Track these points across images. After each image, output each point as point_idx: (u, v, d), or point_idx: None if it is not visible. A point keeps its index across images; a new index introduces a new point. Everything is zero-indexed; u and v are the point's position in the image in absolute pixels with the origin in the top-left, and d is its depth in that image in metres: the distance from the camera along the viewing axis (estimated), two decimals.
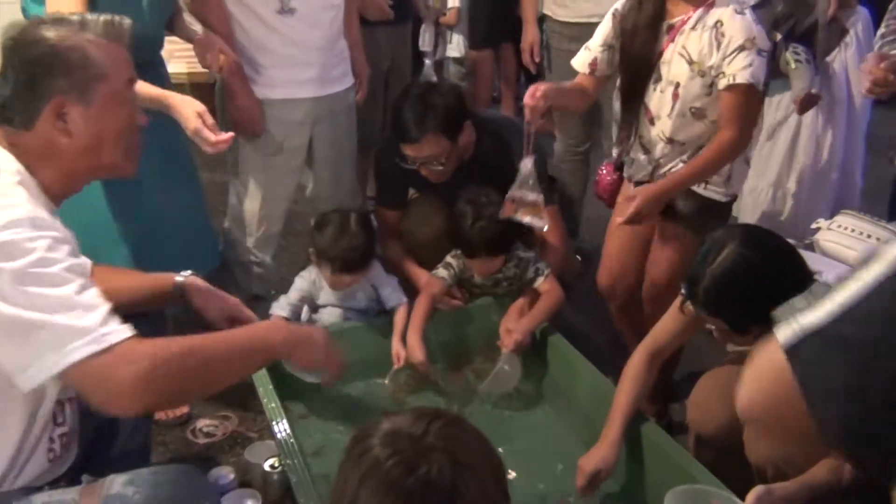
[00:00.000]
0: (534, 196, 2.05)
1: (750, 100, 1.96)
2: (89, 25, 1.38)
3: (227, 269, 2.52)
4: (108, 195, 2.00)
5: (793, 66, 2.29)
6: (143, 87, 1.77)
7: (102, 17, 1.40)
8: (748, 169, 2.17)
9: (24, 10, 1.98)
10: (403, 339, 2.22)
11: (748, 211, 2.85)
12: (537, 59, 3.06)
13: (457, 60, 4.85)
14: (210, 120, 1.88)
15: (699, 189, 2.07)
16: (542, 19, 3.03)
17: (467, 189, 2.28)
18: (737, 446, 1.65)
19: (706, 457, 1.76)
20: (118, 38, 1.41)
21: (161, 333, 1.72)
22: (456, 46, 4.77)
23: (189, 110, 1.87)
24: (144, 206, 2.06)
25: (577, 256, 3.08)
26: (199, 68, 2.44)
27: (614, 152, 2.28)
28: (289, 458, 1.76)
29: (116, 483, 1.32)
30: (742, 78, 1.92)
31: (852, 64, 2.48)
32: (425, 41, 3.99)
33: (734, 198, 2.15)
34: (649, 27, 2.03)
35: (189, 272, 1.68)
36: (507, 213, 2.09)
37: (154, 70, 2.10)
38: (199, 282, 1.68)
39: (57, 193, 1.38)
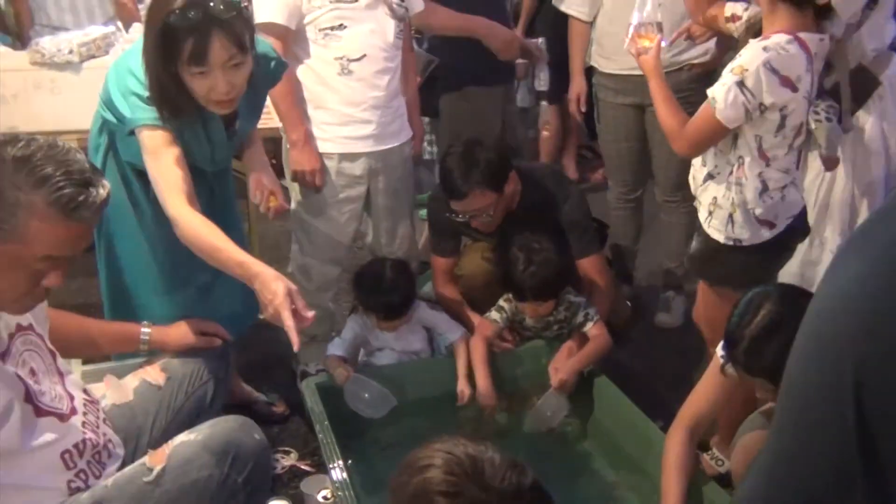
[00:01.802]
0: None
1: (705, 117, 1.93)
2: (42, 190, 1.31)
3: None
4: (164, 259, 2.10)
5: (812, 125, 2.29)
6: (231, 252, 1.76)
7: (63, 192, 1.32)
8: (751, 218, 2.04)
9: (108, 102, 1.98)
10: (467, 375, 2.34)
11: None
12: (583, 110, 3.15)
13: (522, 111, 5.04)
14: (301, 302, 1.69)
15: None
16: (590, 70, 3.12)
17: (519, 236, 2.37)
18: None
19: None
20: (70, 217, 1.34)
21: (225, 364, 1.95)
22: (523, 98, 4.97)
23: (279, 287, 1.66)
24: (192, 267, 2.04)
25: (628, 303, 3.13)
26: (269, 123, 2.64)
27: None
28: (341, 490, 1.87)
29: (179, 436, 1.55)
30: (712, 92, 1.91)
31: (890, 116, 2.40)
32: (541, 81, 4.35)
33: (738, 242, 2.07)
34: None
35: (148, 329, 1.91)
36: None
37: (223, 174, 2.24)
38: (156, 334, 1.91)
39: None
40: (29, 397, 1.42)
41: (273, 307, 1.66)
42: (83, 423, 1.55)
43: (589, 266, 2.52)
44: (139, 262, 2.14)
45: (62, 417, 1.49)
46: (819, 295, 0.67)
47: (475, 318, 2.51)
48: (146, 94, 1.86)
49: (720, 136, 1.98)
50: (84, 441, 1.53)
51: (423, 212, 2.98)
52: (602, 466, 2.22)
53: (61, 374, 1.59)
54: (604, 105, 3.02)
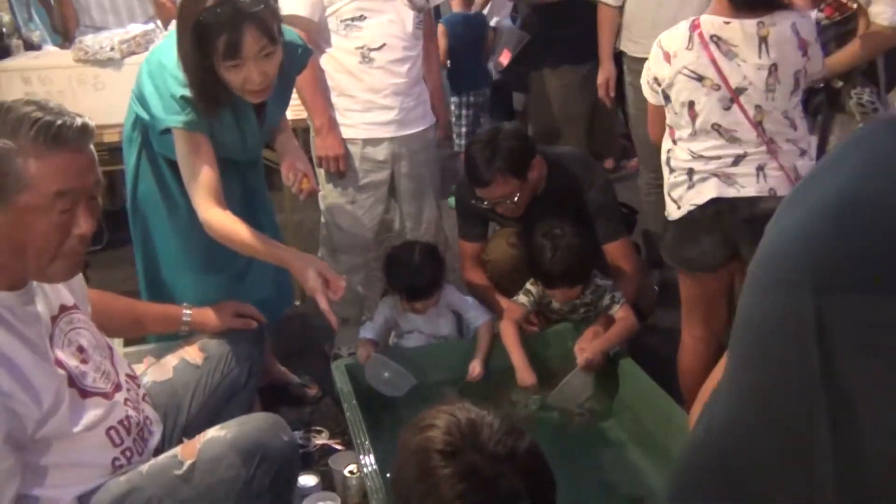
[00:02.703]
0: None
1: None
2: (21, 131, 1.33)
3: None
4: (200, 250, 2.17)
5: (858, 118, 2.26)
6: (261, 244, 1.91)
7: (40, 122, 1.34)
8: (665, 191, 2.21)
9: (141, 98, 2.04)
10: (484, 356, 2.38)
11: None
12: (612, 94, 3.15)
13: None
14: (332, 275, 1.84)
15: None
16: (620, 55, 3.13)
17: (542, 222, 2.40)
18: None
19: None
20: (59, 144, 1.35)
21: (260, 346, 2.02)
22: None
23: (311, 272, 1.83)
24: (229, 255, 2.13)
25: (655, 287, 3.12)
26: (300, 115, 2.72)
27: None
28: (366, 465, 1.93)
29: (210, 431, 1.59)
30: None
31: None
32: None
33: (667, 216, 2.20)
34: None
35: (189, 311, 1.99)
36: None
37: (254, 164, 2.32)
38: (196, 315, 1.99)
39: (3, 285, 1.40)
40: (72, 382, 1.49)
41: (309, 291, 1.85)
42: (125, 400, 1.61)
43: (615, 251, 2.53)
44: (174, 251, 2.22)
45: (106, 396, 1.56)
46: (768, 240, 0.72)
47: (503, 302, 2.54)
48: (181, 92, 1.92)
49: (659, 117, 2.16)
50: (128, 418, 1.59)
51: (451, 199, 3.04)
52: (625, 446, 2.24)
53: (111, 349, 1.67)
54: (633, 89, 3.02)
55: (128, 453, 1.57)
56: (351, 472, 2.04)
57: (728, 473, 0.77)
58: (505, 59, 3.39)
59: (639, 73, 2.96)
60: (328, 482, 2.15)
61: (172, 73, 1.94)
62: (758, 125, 2.01)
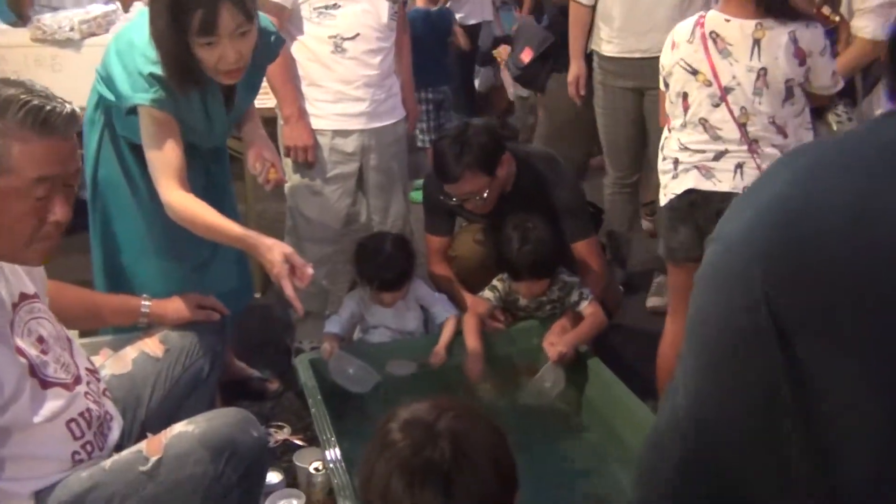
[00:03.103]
0: None
1: None
2: (8, 113, 1.30)
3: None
4: (161, 237, 2.12)
5: (835, 128, 2.33)
6: (227, 228, 1.87)
7: (29, 106, 1.31)
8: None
9: (107, 78, 2.00)
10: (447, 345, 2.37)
11: None
12: (582, 93, 3.16)
13: (523, 99, 5.09)
14: (299, 261, 1.80)
15: None
16: (591, 55, 3.13)
17: (513, 216, 2.40)
18: None
19: None
20: (46, 130, 1.32)
21: (222, 339, 1.96)
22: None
23: (277, 257, 1.78)
24: (190, 245, 2.12)
25: (621, 287, 3.15)
26: (267, 103, 2.66)
27: None
28: (332, 463, 1.89)
29: (177, 427, 1.53)
30: None
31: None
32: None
33: None
34: None
35: (148, 302, 1.92)
36: None
37: (219, 152, 2.27)
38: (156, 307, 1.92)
39: None
40: (33, 371, 1.43)
41: (274, 276, 1.79)
42: (86, 394, 1.56)
43: (583, 249, 2.54)
44: (135, 238, 2.15)
45: (67, 386, 1.50)
46: (721, 238, 0.80)
47: (468, 297, 2.53)
48: (149, 69, 1.87)
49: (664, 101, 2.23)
50: (89, 410, 1.53)
51: (415, 194, 3.02)
52: (591, 443, 2.25)
53: (69, 340, 1.61)
54: (603, 88, 3.03)
55: (88, 447, 1.51)
56: (316, 469, 2.00)
57: (696, 461, 0.81)
58: (527, 56, 3.39)
59: (609, 72, 3.00)
60: (291, 478, 2.11)
61: (142, 51, 1.88)
62: (742, 126, 2.03)
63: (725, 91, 2.02)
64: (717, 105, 2.04)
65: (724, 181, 2.06)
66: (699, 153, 2.09)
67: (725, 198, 2.04)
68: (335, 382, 2.28)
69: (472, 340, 2.35)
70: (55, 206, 1.38)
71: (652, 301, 3.14)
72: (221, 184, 2.29)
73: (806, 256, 0.70)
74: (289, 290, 1.78)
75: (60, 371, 1.50)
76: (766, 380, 0.72)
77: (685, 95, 2.09)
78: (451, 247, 2.67)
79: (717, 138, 2.06)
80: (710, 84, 2.04)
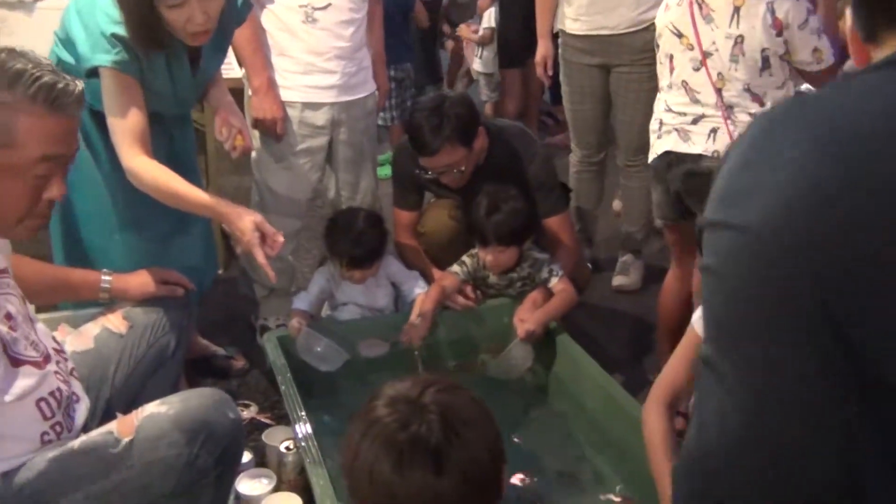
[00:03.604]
0: None
1: None
2: (18, 86, 1.27)
3: (248, 263, 2.63)
4: (124, 209, 2.06)
5: None
6: (194, 195, 1.83)
7: (41, 82, 1.27)
8: None
9: (65, 39, 1.94)
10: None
11: None
12: (550, 73, 3.15)
13: (487, 75, 5.07)
14: (269, 229, 1.78)
15: None
16: (557, 35, 3.12)
17: (487, 186, 2.37)
18: None
19: None
20: (54, 107, 1.29)
21: (187, 314, 1.90)
22: (486, 62, 5.00)
23: (246, 223, 1.76)
24: (154, 216, 2.08)
25: (589, 265, 3.16)
26: (230, 74, 2.58)
27: None
28: (303, 441, 1.86)
29: (149, 407, 1.47)
30: None
31: None
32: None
33: None
34: None
35: (109, 276, 1.84)
36: None
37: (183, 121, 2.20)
38: (117, 282, 1.85)
39: None
40: (4, 348, 1.37)
41: (244, 245, 1.77)
42: (55, 373, 1.50)
43: (555, 224, 2.53)
44: (96, 211, 2.08)
45: (38, 364, 1.44)
46: (738, 226, 0.75)
47: (436, 272, 2.50)
48: (112, 30, 1.80)
49: None
50: (59, 390, 1.47)
51: (382, 170, 2.98)
52: (560, 420, 2.25)
53: (32, 321, 1.54)
54: (569, 66, 3.03)
55: (57, 428, 1.46)
56: (287, 448, 1.97)
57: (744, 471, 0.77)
58: None
59: (576, 49, 2.99)
60: (260, 457, 2.07)
61: (104, 10, 1.81)
62: (718, 91, 2.10)
63: (705, 55, 2.09)
64: (697, 69, 2.11)
65: (697, 144, 2.14)
66: (680, 115, 2.17)
67: (697, 159, 2.13)
68: (303, 360, 2.24)
69: (425, 304, 2.32)
70: (53, 184, 1.35)
71: (617, 280, 3.17)
72: (186, 154, 2.22)
73: (856, 237, 0.66)
74: (261, 258, 1.76)
75: (30, 349, 1.44)
76: (829, 372, 0.68)
77: (671, 57, 2.17)
78: (421, 222, 2.63)
79: (696, 101, 2.14)
80: (692, 48, 2.11)
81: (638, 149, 2.92)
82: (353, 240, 2.33)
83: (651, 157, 2.28)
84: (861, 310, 0.66)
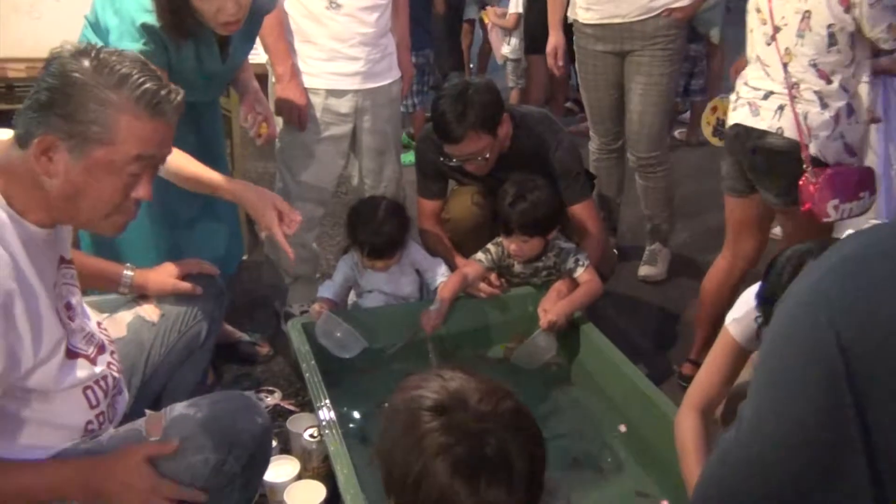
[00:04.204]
0: None
1: None
2: (125, 89, 1.30)
3: (272, 250, 2.64)
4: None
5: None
6: (212, 177, 1.86)
7: (146, 87, 1.31)
8: None
9: (95, 24, 1.96)
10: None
11: None
12: (560, 63, 3.14)
13: (514, 61, 5.04)
14: (286, 208, 1.84)
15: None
16: (571, 25, 3.07)
17: (514, 174, 2.35)
18: None
19: None
20: (155, 112, 1.33)
21: (220, 303, 1.91)
22: (514, 49, 4.97)
23: (266, 204, 1.82)
24: (180, 203, 2.10)
25: (615, 251, 3.13)
26: (255, 59, 2.57)
27: None
28: (327, 429, 1.86)
29: (178, 407, 1.46)
30: None
31: None
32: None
33: None
34: None
35: (131, 272, 1.84)
36: None
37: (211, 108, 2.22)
38: (139, 277, 1.84)
39: (41, 221, 1.34)
40: (66, 338, 1.39)
41: (264, 224, 1.81)
42: (108, 364, 1.51)
43: (581, 211, 2.50)
44: None
45: (90, 359, 1.45)
46: (791, 294, 0.77)
47: (459, 260, 2.50)
48: (142, 19, 1.81)
49: None
50: (105, 378, 1.48)
51: (405, 157, 2.96)
52: (584, 409, 2.24)
53: (86, 313, 1.55)
54: (584, 53, 3.00)
55: (101, 417, 1.46)
56: (312, 437, 1.97)
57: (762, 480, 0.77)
58: None
59: (590, 36, 2.95)
60: (284, 444, 2.08)
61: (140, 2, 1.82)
62: (784, 66, 2.10)
63: (776, 30, 2.10)
64: (769, 44, 2.13)
65: (765, 119, 2.15)
66: (754, 90, 2.19)
67: (762, 135, 2.14)
68: (324, 346, 2.24)
69: (443, 292, 2.33)
70: (141, 184, 1.38)
71: (644, 269, 3.14)
72: (214, 140, 2.24)
73: (874, 305, 0.68)
74: (279, 236, 1.80)
75: (83, 342, 1.46)
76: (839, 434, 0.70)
77: (752, 31, 2.21)
78: (446, 209, 2.62)
79: (766, 76, 2.16)
80: (765, 22, 2.13)
81: (650, 145, 2.90)
82: (374, 229, 2.32)
83: (726, 126, 2.30)
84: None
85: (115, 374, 1.51)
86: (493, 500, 0.98)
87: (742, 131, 2.19)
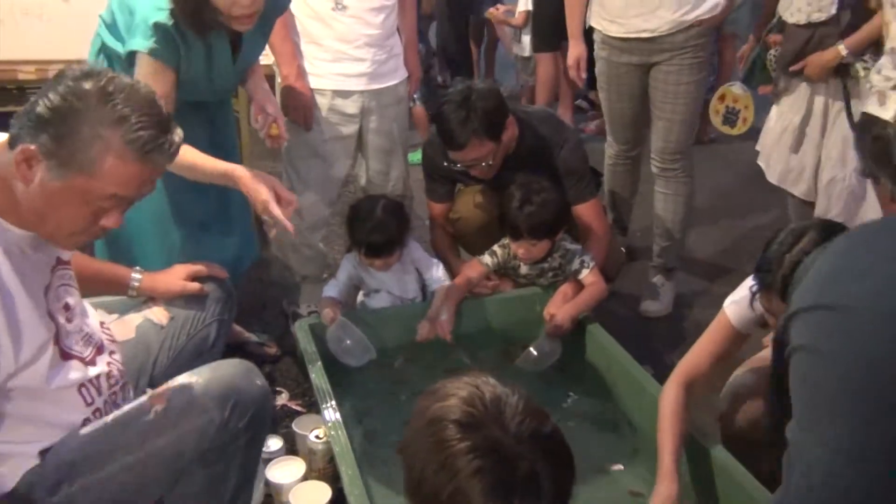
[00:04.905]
0: None
1: None
2: (120, 129, 1.30)
3: (280, 251, 2.65)
4: (162, 190, 2.07)
5: (861, 74, 2.45)
6: (210, 163, 1.87)
7: (142, 133, 1.31)
8: None
9: (111, 23, 1.98)
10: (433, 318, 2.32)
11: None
12: (584, 75, 3.03)
13: (525, 59, 5.02)
14: (284, 191, 1.86)
15: None
16: (588, 31, 2.98)
17: (520, 175, 2.34)
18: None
19: (735, 448, 1.79)
20: (144, 159, 1.33)
21: (229, 306, 1.93)
22: (525, 46, 4.95)
23: (262, 186, 1.83)
24: (193, 204, 2.13)
25: (622, 249, 3.11)
26: (264, 60, 2.58)
27: None
28: (333, 430, 1.87)
29: (180, 378, 1.51)
30: None
31: None
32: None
33: None
34: None
35: (139, 275, 1.85)
36: None
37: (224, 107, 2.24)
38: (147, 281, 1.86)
39: (22, 224, 1.36)
40: (57, 339, 1.41)
41: (261, 204, 1.82)
42: (108, 363, 1.53)
43: (586, 211, 2.49)
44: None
45: (84, 360, 1.48)
46: (839, 307, 0.84)
47: (463, 264, 2.50)
48: (154, 18, 1.84)
49: None
50: (106, 377, 1.51)
51: (412, 156, 2.96)
52: (591, 411, 2.23)
53: (85, 313, 1.57)
54: (607, 64, 2.88)
55: (97, 414, 1.49)
56: (318, 438, 1.98)
57: None
58: None
59: (615, 48, 2.84)
60: (290, 444, 2.09)
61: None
62: None
63: None
64: None
65: (890, 110, 2.17)
66: (886, 80, 2.20)
67: (885, 125, 2.14)
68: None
69: (448, 308, 2.32)
70: (112, 214, 1.39)
71: (646, 304, 2.94)
72: (227, 140, 2.25)
73: None
74: (276, 212, 1.80)
75: (80, 343, 1.48)
76: None
77: (888, 25, 2.23)
78: (454, 209, 2.61)
79: None
80: None
81: (676, 151, 2.83)
82: (371, 228, 2.31)
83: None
84: None
85: (116, 373, 1.53)
86: None
87: (868, 119, 2.21)
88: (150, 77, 1.85)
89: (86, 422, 1.47)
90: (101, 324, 1.63)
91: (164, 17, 1.83)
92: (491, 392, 1.03)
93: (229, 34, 1.97)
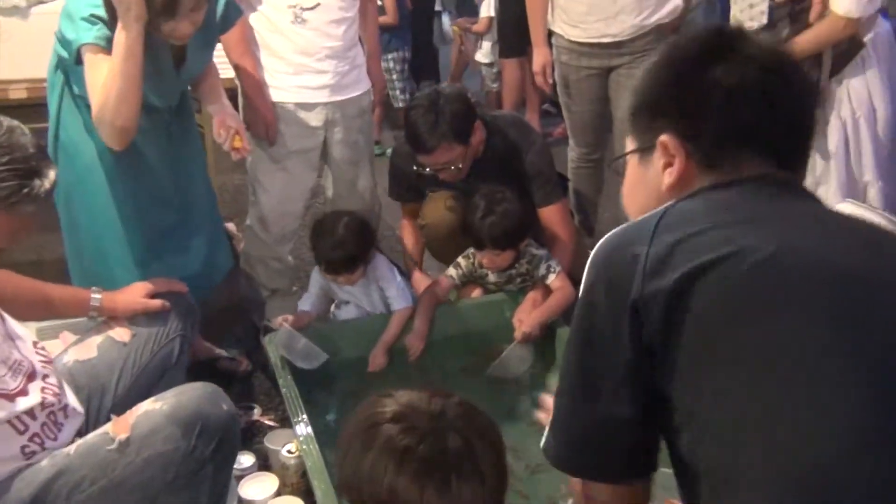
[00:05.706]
0: None
1: None
2: None
3: (248, 264, 2.64)
4: (125, 201, 2.07)
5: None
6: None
7: (6, 184, 1.32)
8: None
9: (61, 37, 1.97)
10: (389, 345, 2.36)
11: None
12: (550, 81, 3.03)
13: (487, 65, 5.05)
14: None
15: None
16: (550, 34, 2.97)
17: (484, 185, 2.36)
18: None
19: None
20: (9, 210, 1.34)
21: (192, 321, 1.92)
22: (486, 53, 4.98)
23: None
24: (155, 210, 2.12)
25: (590, 251, 3.13)
26: (227, 74, 2.57)
27: None
28: (305, 444, 1.86)
29: (144, 405, 1.50)
30: None
31: (873, 81, 2.49)
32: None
33: None
34: None
35: (99, 294, 1.84)
36: None
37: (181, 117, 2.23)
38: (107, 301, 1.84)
39: None
40: None
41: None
42: (42, 389, 1.50)
43: (551, 215, 2.51)
44: (99, 203, 2.07)
45: (9, 397, 1.44)
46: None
47: (428, 279, 2.52)
48: (90, 11, 1.83)
49: None
50: (35, 407, 1.47)
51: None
52: None
53: (12, 339, 1.53)
54: (567, 68, 2.91)
55: (37, 439, 1.46)
56: (290, 452, 1.97)
57: None
58: None
59: (574, 52, 2.86)
60: (263, 460, 2.08)
61: (88, 1, 1.84)
62: None
63: None
64: None
65: None
66: None
67: None
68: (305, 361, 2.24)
69: (420, 320, 2.35)
70: None
71: None
72: (187, 147, 2.22)
73: None
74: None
75: (8, 376, 1.44)
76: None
77: None
78: (421, 215, 2.62)
79: None
80: None
81: None
82: (332, 245, 2.29)
83: None
84: None
85: (51, 399, 1.50)
86: (469, 495, 1.00)
87: None
88: (101, 62, 1.84)
89: (25, 448, 1.44)
90: (35, 343, 1.60)
91: (101, 11, 1.83)
92: (404, 395, 1.09)
93: (170, 45, 1.98)
